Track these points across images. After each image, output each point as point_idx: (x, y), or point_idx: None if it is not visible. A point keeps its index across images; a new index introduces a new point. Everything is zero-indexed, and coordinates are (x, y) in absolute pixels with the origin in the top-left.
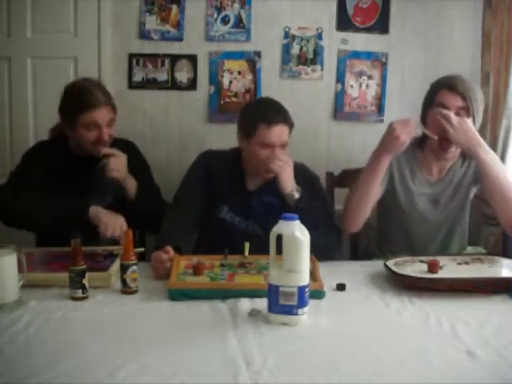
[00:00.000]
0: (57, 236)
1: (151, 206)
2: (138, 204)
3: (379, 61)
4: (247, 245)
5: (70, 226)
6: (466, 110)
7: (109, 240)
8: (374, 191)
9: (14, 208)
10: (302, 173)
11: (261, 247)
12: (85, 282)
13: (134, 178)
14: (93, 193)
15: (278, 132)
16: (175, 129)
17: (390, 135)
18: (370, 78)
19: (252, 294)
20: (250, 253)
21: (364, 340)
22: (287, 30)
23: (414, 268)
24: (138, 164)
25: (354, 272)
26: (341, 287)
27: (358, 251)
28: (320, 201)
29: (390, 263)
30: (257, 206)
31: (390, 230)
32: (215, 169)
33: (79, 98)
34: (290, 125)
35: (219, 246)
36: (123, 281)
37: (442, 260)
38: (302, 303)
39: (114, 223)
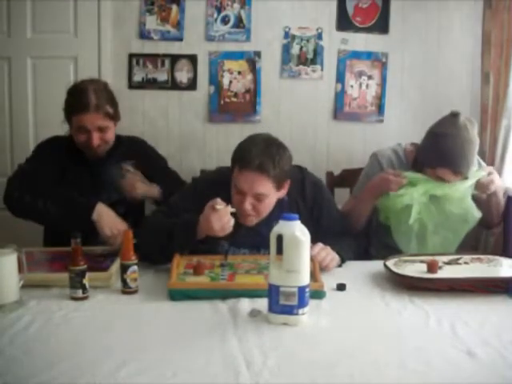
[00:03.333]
0: (63, 231)
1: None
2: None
3: (379, 61)
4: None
5: (73, 222)
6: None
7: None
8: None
9: (21, 199)
10: (306, 185)
11: None
12: (85, 281)
13: (153, 178)
14: (100, 190)
15: (249, 180)
16: (175, 129)
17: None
18: (370, 78)
19: (252, 293)
20: None
21: (364, 340)
22: (287, 30)
23: (414, 268)
24: (152, 161)
25: (354, 272)
26: (341, 287)
27: (360, 251)
28: (334, 211)
29: (390, 263)
30: (264, 231)
31: (388, 239)
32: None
33: (72, 99)
34: (273, 176)
35: None
36: (123, 281)
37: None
38: (302, 303)
39: (115, 234)
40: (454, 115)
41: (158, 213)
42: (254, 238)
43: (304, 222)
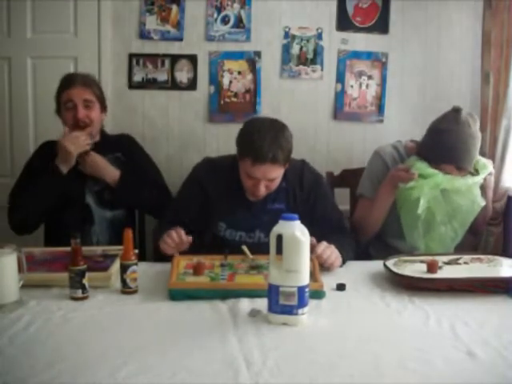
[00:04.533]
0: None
1: (146, 196)
2: (122, 192)
3: (379, 61)
4: (245, 247)
5: (52, 195)
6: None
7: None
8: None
9: (16, 218)
10: (305, 173)
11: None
12: (85, 281)
13: (125, 168)
14: (86, 180)
15: (262, 170)
16: (175, 129)
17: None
18: (369, 77)
19: (252, 293)
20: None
21: (364, 340)
22: (287, 30)
23: (414, 268)
24: (135, 156)
25: (354, 272)
26: (341, 287)
27: (358, 251)
28: (330, 203)
29: (390, 263)
30: (261, 214)
31: (390, 236)
32: (210, 186)
33: (61, 81)
34: (283, 161)
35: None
36: (123, 281)
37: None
38: (302, 303)
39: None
40: (456, 111)
41: (167, 212)
42: (250, 221)
43: (300, 210)
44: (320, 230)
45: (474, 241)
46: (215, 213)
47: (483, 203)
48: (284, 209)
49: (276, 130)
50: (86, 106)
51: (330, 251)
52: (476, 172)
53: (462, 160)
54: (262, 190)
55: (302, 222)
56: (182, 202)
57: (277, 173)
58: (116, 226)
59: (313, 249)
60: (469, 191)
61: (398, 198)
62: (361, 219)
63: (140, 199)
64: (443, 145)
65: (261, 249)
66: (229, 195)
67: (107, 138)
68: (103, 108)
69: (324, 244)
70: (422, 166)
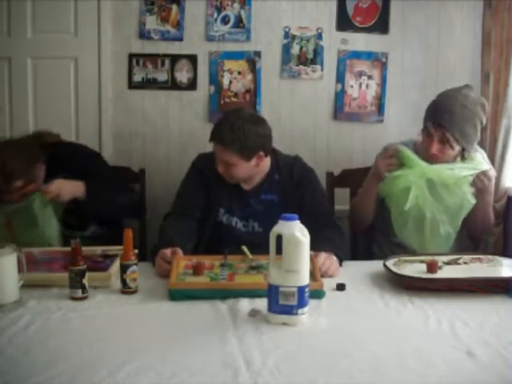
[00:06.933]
0: None
1: (110, 199)
2: (93, 204)
3: (379, 61)
4: (245, 248)
5: None
6: (448, 141)
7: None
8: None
9: None
10: (295, 166)
11: (262, 245)
12: (85, 281)
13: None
14: None
15: (217, 150)
16: (175, 129)
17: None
18: (369, 78)
19: (252, 293)
20: (251, 251)
21: (364, 340)
22: (287, 30)
23: (413, 268)
24: (82, 165)
25: (353, 272)
26: (341, 287)
27: (358, 251)
28: (319, 196)
29: (390, 263)
30: (255, 204)
31: (389, 231)
32: (209, 173)
33: None
34: (237, 150)
35: (218, 249)
36: (123, 281)
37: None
38: (301, 303)
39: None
40: (466, 85)
41: (174, 206)
42: (244, 209)
43: (289, 201)
44: (308, 222)
45: (474, 247)
46: (215, 199)
47: (474, 201)
48: (276, 200)
49: (240, 118)
50: (22, 194)
51: (329, 262)
52: (466, 160)
53: (442, 117)
54: (219, 170)
55: (291, 213)
56: (189, 193)
57: (229, 158)
58: (99, 240)
59: (312, 261)
60: (457, 187)
61: (384, 191)
62: (353, 207)
63: (112, 202)
64: (434, 104)
65: (256, 238)
66: (225, 184)
67: (54, 151)
68: (34, 181)
69: (323, 255)
70: (407, 151)
